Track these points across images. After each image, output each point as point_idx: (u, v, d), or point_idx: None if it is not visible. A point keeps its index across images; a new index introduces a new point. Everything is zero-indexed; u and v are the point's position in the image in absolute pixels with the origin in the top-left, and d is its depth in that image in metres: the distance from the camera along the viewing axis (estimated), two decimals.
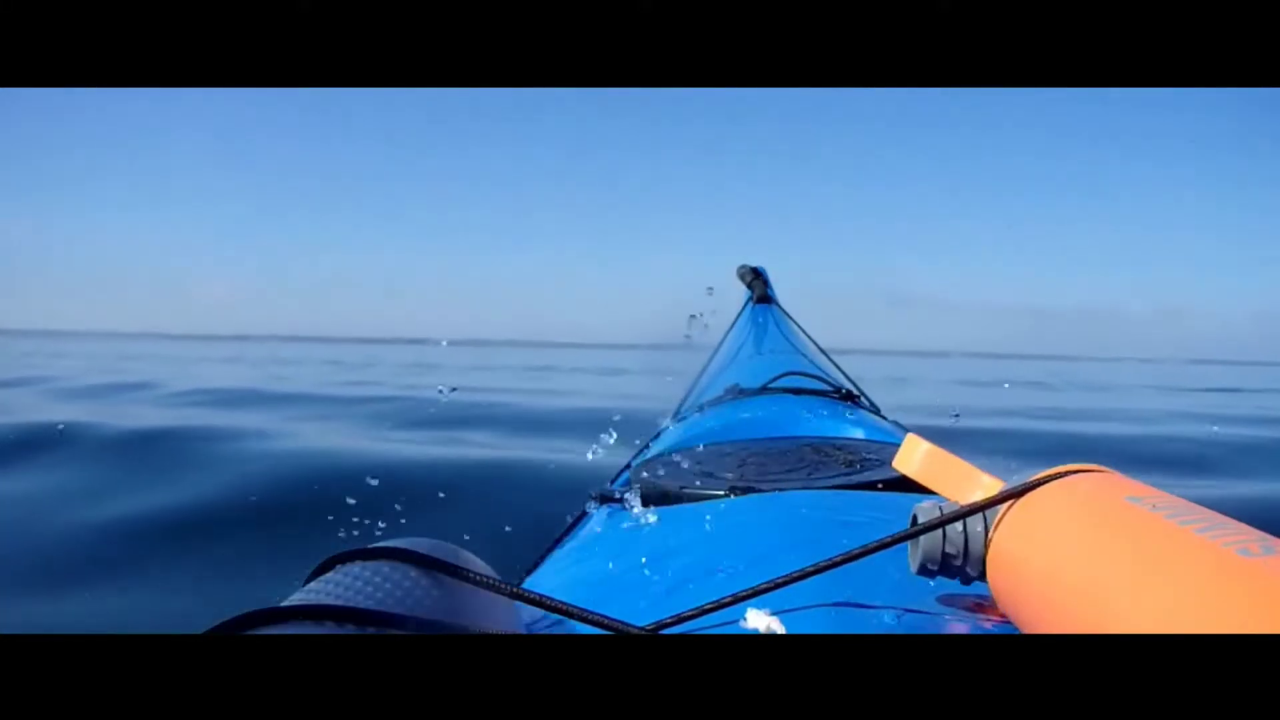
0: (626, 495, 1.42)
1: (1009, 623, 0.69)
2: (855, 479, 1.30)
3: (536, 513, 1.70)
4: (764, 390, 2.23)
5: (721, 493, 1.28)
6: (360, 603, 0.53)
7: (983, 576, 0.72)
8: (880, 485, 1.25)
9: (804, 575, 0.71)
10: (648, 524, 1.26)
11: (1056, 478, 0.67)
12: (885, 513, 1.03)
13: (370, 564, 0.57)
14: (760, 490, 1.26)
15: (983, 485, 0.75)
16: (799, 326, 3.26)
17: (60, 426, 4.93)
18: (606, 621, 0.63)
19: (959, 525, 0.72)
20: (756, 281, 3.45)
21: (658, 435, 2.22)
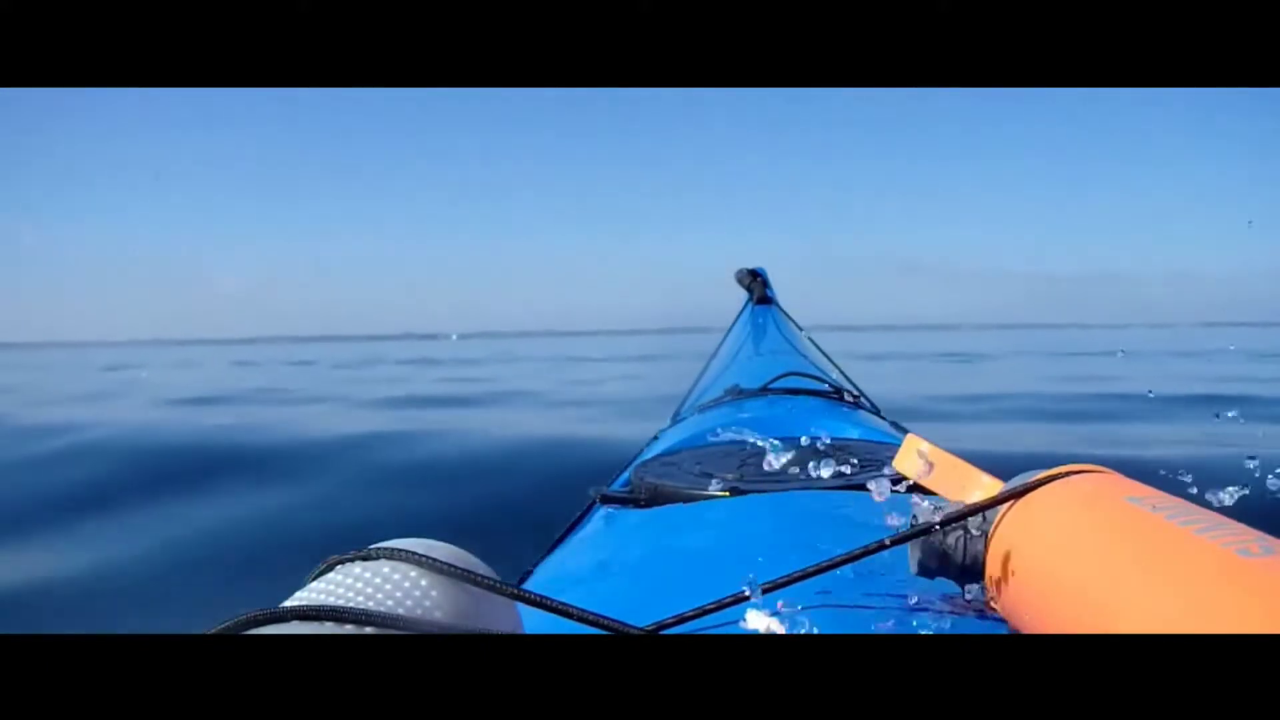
0: (627, 495, 1.42)
1: (1009, 623, 0.69)
2: (855, 479, 1.30)
3: None
4: (764, 391, 2.23)
5: (721, 493, 1.28)
6: (360, 603, 0.53)
7: (982, 577, 0.72)
8: None
9: (804, 575, 0.71)
10: (648, 524, 1.26)
11: (1056, 478, 0.67)
12: (885, 513, 1.03)
13: (370, 564, 0.57)
14: (760, 490, 1.26)
15: (982, 485, 0.75)
16: (799, 327, 3.27)
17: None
18: (606, 621, 0.63)
19: (959, 525, 0.72)
20: (755, 283, 3.45)
21: (658, 436, 2.23)
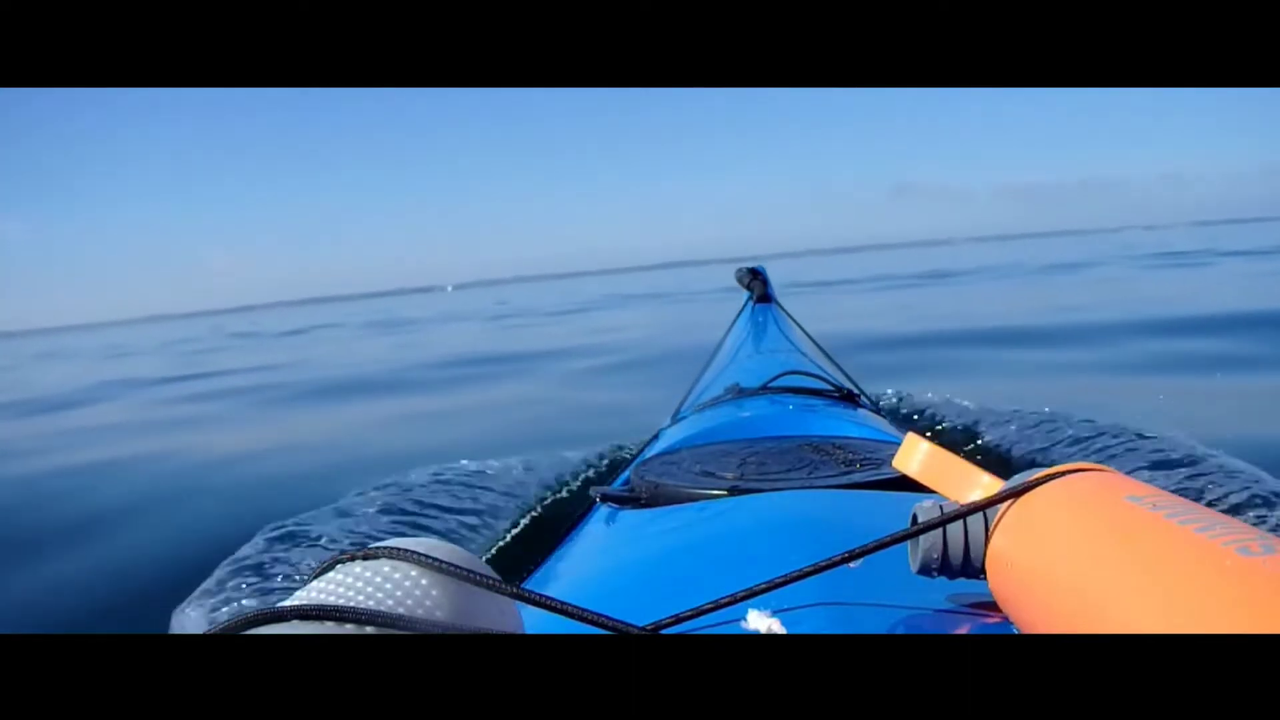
0: (627, 495, 1.42)
1: (1009, 623, 0.69)
2: (855, 479, 1.30)
3: None
4: (764, 390, 2.23)
5: (721, 493, 1.28)
6: (360, 603, 0.53)
7: (983, 576, 0.72)
8: (880, 485, 1.25)
9: (804, 575, 0.71)
10: (648, 524, 1.26)
11: (1056, 477, 0.67)
12: (885, 513, 1.03)
13: (371, 564, 0.57)
14: (760, 490, 1.26)
15: (982, 485, 0.75)
16: (799, 326, 3.27)
17: None
18: (606, 621, 0.63)
19: (959, 525, 0.72)
20: (755, 281, 3.46)
21: (658, 435, 2.23)
